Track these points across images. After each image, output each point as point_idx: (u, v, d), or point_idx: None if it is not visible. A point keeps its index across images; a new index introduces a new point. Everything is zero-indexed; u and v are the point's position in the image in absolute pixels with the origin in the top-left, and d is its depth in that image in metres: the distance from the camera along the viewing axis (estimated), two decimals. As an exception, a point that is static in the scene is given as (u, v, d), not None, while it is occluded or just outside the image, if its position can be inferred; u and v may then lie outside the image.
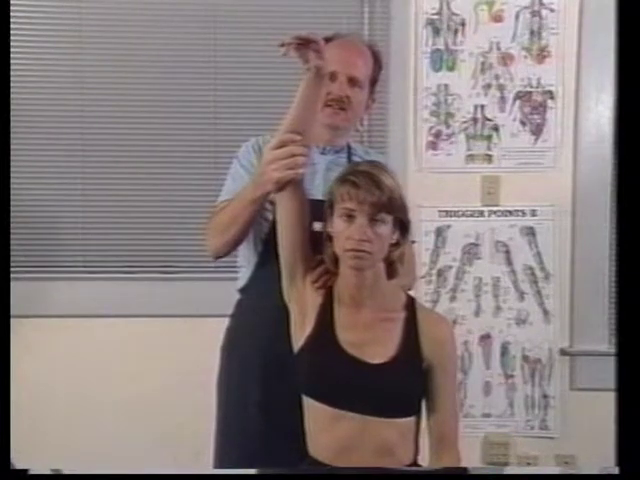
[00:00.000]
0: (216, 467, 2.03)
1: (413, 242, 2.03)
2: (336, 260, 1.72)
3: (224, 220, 1.94)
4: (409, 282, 2.03)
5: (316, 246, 1.82)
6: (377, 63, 2.08)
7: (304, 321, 1.73)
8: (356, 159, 2.06)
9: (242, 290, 2.07)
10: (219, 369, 2.06)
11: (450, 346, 1.74)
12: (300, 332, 1.73)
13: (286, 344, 1.77)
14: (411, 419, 1.67)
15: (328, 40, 2.04)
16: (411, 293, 1.81)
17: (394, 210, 1.66)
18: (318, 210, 1.84)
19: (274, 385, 1.94)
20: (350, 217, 1.64)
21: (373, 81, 2.07)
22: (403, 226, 1.71)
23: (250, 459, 1.89)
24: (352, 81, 2.00)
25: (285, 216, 1.75)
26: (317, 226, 1.88)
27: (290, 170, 1.70)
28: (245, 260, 2.05)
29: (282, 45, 1.65)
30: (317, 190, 2.00)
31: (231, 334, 2.07)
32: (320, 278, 1.75)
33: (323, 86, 1.75)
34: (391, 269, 1.71)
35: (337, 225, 1.67)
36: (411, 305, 1.73)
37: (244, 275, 2.06)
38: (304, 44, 1.66)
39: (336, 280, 1.74)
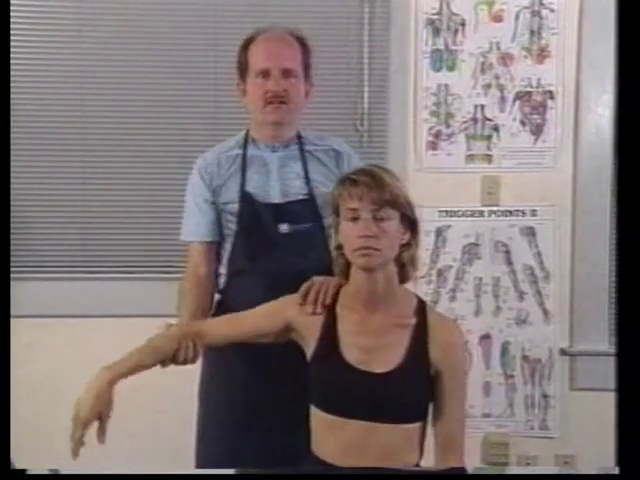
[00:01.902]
0: (199, 466, 2.04)
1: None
2: (347, 269, 1.71)
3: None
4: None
5: (282, 247, 1.90)
6: (305, 48, 2.08)
7: (305, 342, 1.73)
8: (309, 147, 2.07)
9: (221, 291, 2.11)
10: (202, 368, 2.07)
11: (460, 352, 1.75)
12: (305, 350, 1.74)
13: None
14: (417, 424, 1.67)
15: (250, 40, 2.05)
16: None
17: (398, 206, 1.64)
18: (278, 212, 1.87)
19: (259, 383, 1.96)
20: (355, 218, 1.63)
21: (306, 67, 2.07)
22: (413, 226, 1.69)
23: (238, 458, 1.89)
24: (286, 73, 2.00)
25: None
26: (283, 228, 1.91)
27: None
28: (223, 267, 2.10)
29: None
30: (274, 190, 2.02)
31: None
32: (316, 305, 1.73)
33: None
34: (403, 272, 1.70)
35: (344, 228, 1.66)
36: (422, 310, 1.72)
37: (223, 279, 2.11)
38: None
39: (340, 290, 1.74)
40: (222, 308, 2.05)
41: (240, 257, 2.03)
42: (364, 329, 1.68)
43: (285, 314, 1.75)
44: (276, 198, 2.01)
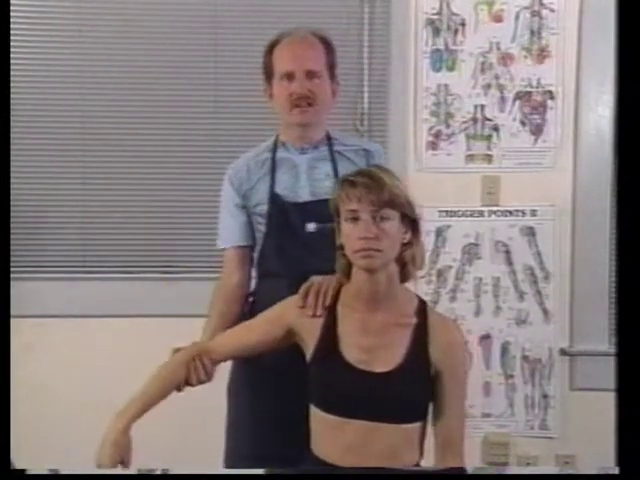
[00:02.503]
0: (226, 465, 2.04)
1: None
2: (349, 269, 1.71)
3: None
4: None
5: (309, 246, 1.89)
6: (329, 48, 2.07)
7: (305, 343, 1.73)
8: (338, 148, 2.06)
9: (252, 294, 2.11)
10: (231, 367, 2.08)
11: (460, 352, 1.74)
12: (305, 351, 1.74)
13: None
14: (417, 424, 1.67)
15: (275, 44, 2.04)
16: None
17: (398, 205, 1.64)
18: (306, 211, 1.86)
19: (281, 385, 1.96)
20: (355, 219, 1.63)
21: (331, 67, 2.07)
22: (414, 225, 1.69)
23: (259, 459, 1.89)
24: (310, 74, 2.00)
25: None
26: (310, 227, 1.91)
27: None
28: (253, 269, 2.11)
29: None
30: (303, 191, 2.02)
31: None
32: (316, 307, 1.73)
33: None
34: (404, 271, 1.70)
35: (344, 229, 1.66)
36: (423, 310, 1.72)
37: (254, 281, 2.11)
38: None
39: (341, 289, 1.74)
40: (254, 310, 2.05)
41: (268, 258, 2.03)
42: (365, 329, 1.69)
43: (286, 319, 1.75)
44: (304, 198, 2.01)
